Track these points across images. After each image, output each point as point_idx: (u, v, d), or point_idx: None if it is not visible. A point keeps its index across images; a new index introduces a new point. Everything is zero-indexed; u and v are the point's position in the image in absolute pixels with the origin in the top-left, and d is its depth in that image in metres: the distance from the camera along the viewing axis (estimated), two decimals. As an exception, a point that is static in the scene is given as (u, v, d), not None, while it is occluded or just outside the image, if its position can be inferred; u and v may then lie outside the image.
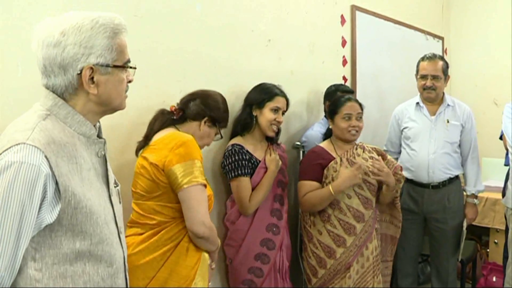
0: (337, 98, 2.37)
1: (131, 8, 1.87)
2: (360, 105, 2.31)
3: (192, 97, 1.82)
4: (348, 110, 2.25)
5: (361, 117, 2.29)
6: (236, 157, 2.11)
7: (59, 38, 1.03)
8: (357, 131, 2.27)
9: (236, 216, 2.17)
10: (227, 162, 2.12)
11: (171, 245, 1.61)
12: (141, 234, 1.63)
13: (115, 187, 1.23)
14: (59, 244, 1.02)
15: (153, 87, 1.94)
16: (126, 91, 1.17)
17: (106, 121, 1.68)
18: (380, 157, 2.36)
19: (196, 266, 1.64)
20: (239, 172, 2.10)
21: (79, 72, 1.05)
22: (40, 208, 0.97)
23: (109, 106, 1.14)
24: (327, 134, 2.40)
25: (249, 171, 2.13)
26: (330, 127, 2.33)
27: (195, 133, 1.76)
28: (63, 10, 1.11)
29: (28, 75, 1.51)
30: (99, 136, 1.17)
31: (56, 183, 0.99)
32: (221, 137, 1.90)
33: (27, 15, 1.55)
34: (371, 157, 2.33)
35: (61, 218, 1.00)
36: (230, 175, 2.11)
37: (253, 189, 2.13)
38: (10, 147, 0.96)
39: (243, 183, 2.11)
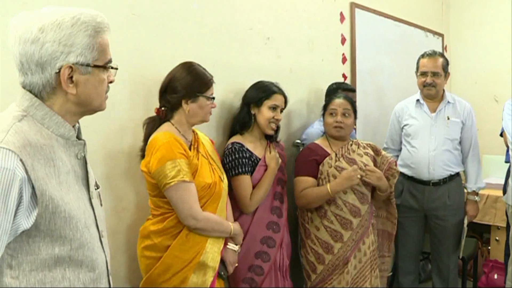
0: (331, 96, 2.38)
1: (129, 6, 1.85)
2: (352, 102, 2.30)
3: (162, 89, 1.82)
4: (334, 106, 2.27)
5: (349, 114, 2.27)
6: (236, 155, 2.11)
7: (37, 35, 0.99)
8: (341, 128, 2.26)
9: (236, 214, 2.16)
10: (227, 160, 2.11)
11: (173, 233, 1.75)
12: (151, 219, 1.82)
13: (96, 189, 1.18)
14: (37, 250, 0.98)
15: (150, 86, 1.94)
16: (106, 91, 1.13)
17: (102, 120, 1.69)
18: (374, 153, 2.36)
19: (200, 250, 1.76)
20: (240, 170, 2.09)
21: (57, 70, 1.01)
22: (16, 213, 0.93)
23: (89, 107, 1.10)
24: None
25: (249, 169, 2.12)
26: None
27: (186, 117, 1.81)
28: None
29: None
30: (78, 137, 1.12)
31: (33, 188, 0.95)
32: (213, 98, 1.85)
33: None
34: (366, 153, 2.33)
35: (38, 223, 0.97)
36: (231, 173, 2.10)
37: (253, 187, 2.12)
38: None
39: (244, 181, 2.10)
